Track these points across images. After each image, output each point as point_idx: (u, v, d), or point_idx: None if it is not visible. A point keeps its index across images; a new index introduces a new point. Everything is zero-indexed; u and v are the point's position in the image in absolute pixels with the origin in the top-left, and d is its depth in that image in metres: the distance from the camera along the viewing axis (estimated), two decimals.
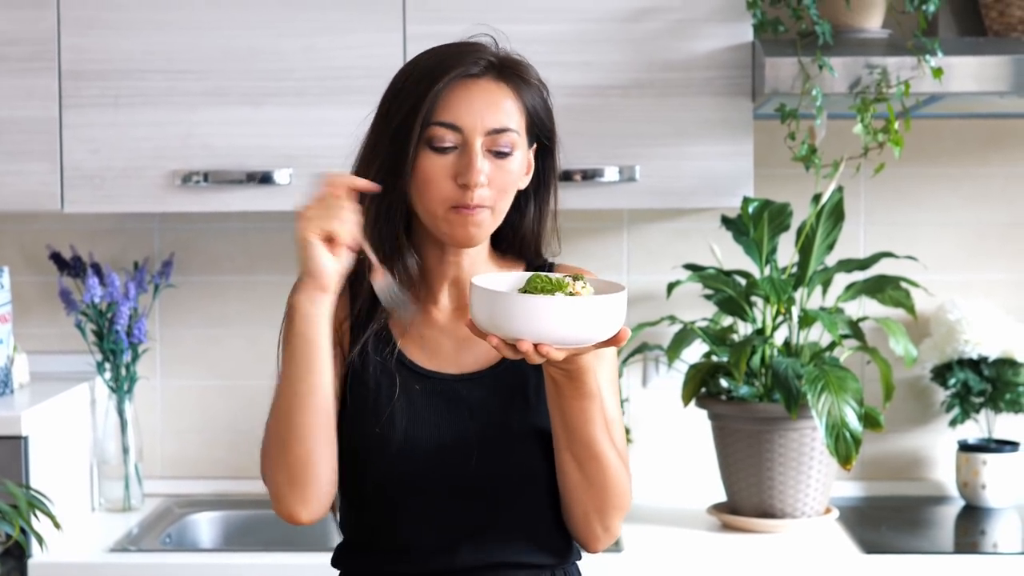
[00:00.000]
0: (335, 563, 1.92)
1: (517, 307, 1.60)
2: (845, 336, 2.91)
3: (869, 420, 2.79)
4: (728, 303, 2.94)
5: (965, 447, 3.12)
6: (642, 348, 3.06)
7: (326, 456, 1.76)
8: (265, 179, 2.85)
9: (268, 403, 1.78)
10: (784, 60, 2.77)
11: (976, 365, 3.11)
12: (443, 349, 1.87)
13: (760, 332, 2.91)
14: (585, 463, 1.78)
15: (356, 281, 1.85)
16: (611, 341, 1.64)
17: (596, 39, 2.85)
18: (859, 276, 3.06)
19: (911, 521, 3.07)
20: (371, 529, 1.86)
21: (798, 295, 2.94)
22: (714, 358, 2.94)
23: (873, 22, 2.93)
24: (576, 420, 1.74)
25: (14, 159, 2.87)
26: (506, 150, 1.81)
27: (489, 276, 1.73)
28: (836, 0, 2.90)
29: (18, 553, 2.69)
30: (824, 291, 3.06)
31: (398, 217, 1.83)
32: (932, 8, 2.81)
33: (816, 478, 2.89)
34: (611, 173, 2.84)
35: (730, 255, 3.08)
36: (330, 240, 1.71)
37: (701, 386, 2.91)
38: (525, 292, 1.64)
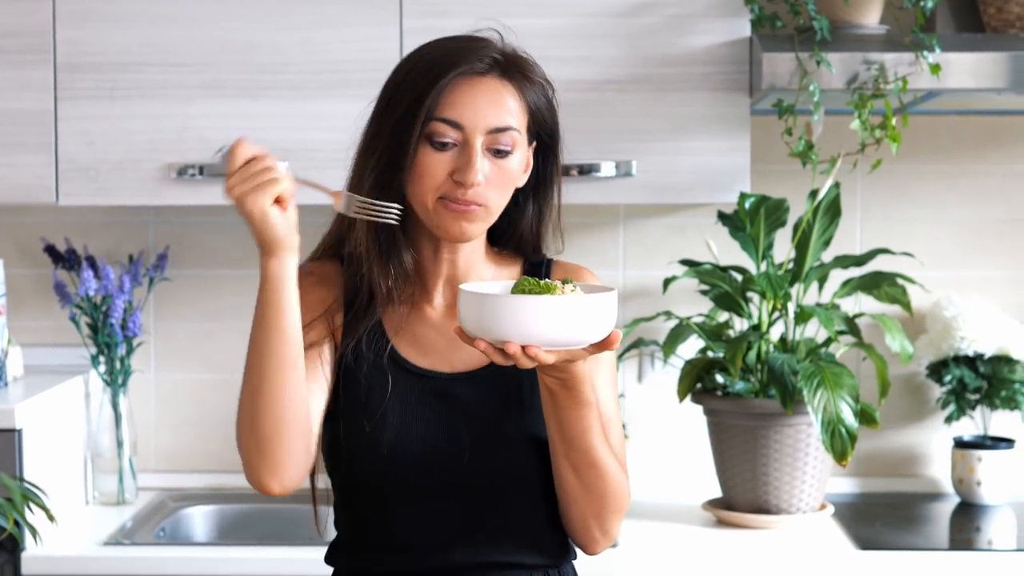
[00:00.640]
0: (329, 560, 1.92)
1: (503, 308, 1.59)
2: (841, 332, 2.91)
3: (865, 416, 2.79)
4: (724, 299, 2.94)
5: (960, 444, 3.12)
6: (638, 343, 3.06)
7: (296, 424, 1.71)
8: None
9: None
10: (781, 56, 2.77)
11: (972, 362, 3.10)
12: (436, 347, 1.86)
13: (756, 328, 2.91)
14: (583, 470, 1.77)
15: (352, 276, 1.85)
16: (602, 345, 1.63)
17: (593, 34, 2.84)
18: (855, 272, 3.06)
19: (906, 518, 3.07)
20: (364, 526, 1.85)
21: (794, 291, 2.93)
22: (710, 354, 2.93)
23: (871, 18, 2.93)
24: (573, 429, 1.73)
25: (9, 151, 2.86)
26: (506, 148, 1.80)
27: (478, 284, 1.72)
28: None
29: (12, 546, 2.68)
30: (820, 287, 3.05)
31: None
32: (930, 4, 2.80)
33: (811, 474, 2.89)
34: (607, 168, 2.83)
35: (726, 251, 3.08)
36: (278, 201, 1.66)
37: (697, 382, 2.91)
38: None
